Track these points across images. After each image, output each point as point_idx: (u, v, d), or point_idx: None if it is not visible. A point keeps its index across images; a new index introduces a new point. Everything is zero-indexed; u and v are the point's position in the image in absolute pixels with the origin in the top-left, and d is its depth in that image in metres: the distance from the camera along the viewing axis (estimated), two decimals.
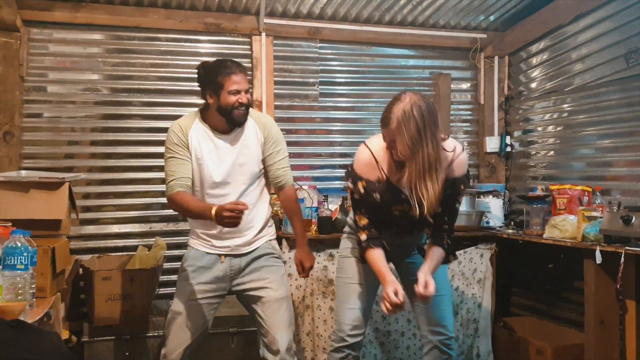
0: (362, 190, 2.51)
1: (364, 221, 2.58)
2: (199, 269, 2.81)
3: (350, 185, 2.57)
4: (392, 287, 2.42)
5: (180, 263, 2.88)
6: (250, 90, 2.84)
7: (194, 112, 2.87)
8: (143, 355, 3.55)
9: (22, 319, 2.03)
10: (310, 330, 3.75)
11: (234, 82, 2.71)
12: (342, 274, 2.81)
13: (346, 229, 2.86)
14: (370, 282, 2.71)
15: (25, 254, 2.18)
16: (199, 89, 2.81)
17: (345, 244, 2.81)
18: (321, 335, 3.73)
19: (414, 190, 2.34)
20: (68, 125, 4.08)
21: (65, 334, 3.16)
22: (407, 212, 2.47)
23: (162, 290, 3.87)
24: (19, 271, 2.16)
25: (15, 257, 2.16)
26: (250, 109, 2.86)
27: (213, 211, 2.53)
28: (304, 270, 2.98)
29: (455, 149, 2.49)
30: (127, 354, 3.52)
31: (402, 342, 3.85)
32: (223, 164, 2.79)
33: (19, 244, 2.19)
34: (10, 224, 2.49)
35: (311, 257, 3.00)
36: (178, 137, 2.78)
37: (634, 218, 2.97)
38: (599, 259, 3.09)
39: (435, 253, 2.56)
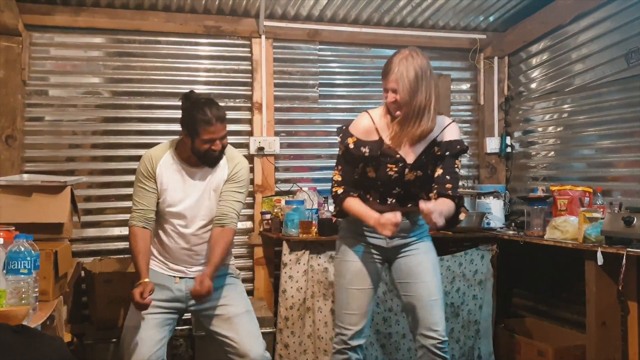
0: (351, 145, 2.63)
1: (338, 177, 2.69)
2: (156, 286, 2.75)
3: (338, 139, 2.69)
4: (389, 214, 2.46)
5: None
6: (226, 134, 2.82)
7: (169, 142, 2.92)
8: None
9: (26, 323, 2.03)
10: (311, 332, 3.75)
11: (209, 133, 2.71)
12: (340, 278, 2.80)
13: (341, 232, 2.85)
14: (369, 286, 2.72)
15: (28, 258, 2.18)
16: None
17: (342, 246, 2.80)
18: (322, 337, 3.72)
19: (403, 129, 2.56)
20: (69, 129, 4.09)
21: (67, 337, 3.17)
22: (403, 170, 2.61)
23: None
24: (22, 275, 2.16)
25: (19, 262, 2.16)
26: (229, 148, 2.88)
27: (137, 284, 2.66)
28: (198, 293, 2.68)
29: (447, 120, 2.71)
30: None
31: (404, 344, 3.85)
32: (187, 197, 2.82)
33: (23, 249, 2.19)
34: (13, 227, 2.49)
35: (207, 285, 2.68)
36: (146, 167, 2.83)
37: (635, 219, 2.97)
38: (600, 260, 3.08)
39: (441, 199, 2.58)
